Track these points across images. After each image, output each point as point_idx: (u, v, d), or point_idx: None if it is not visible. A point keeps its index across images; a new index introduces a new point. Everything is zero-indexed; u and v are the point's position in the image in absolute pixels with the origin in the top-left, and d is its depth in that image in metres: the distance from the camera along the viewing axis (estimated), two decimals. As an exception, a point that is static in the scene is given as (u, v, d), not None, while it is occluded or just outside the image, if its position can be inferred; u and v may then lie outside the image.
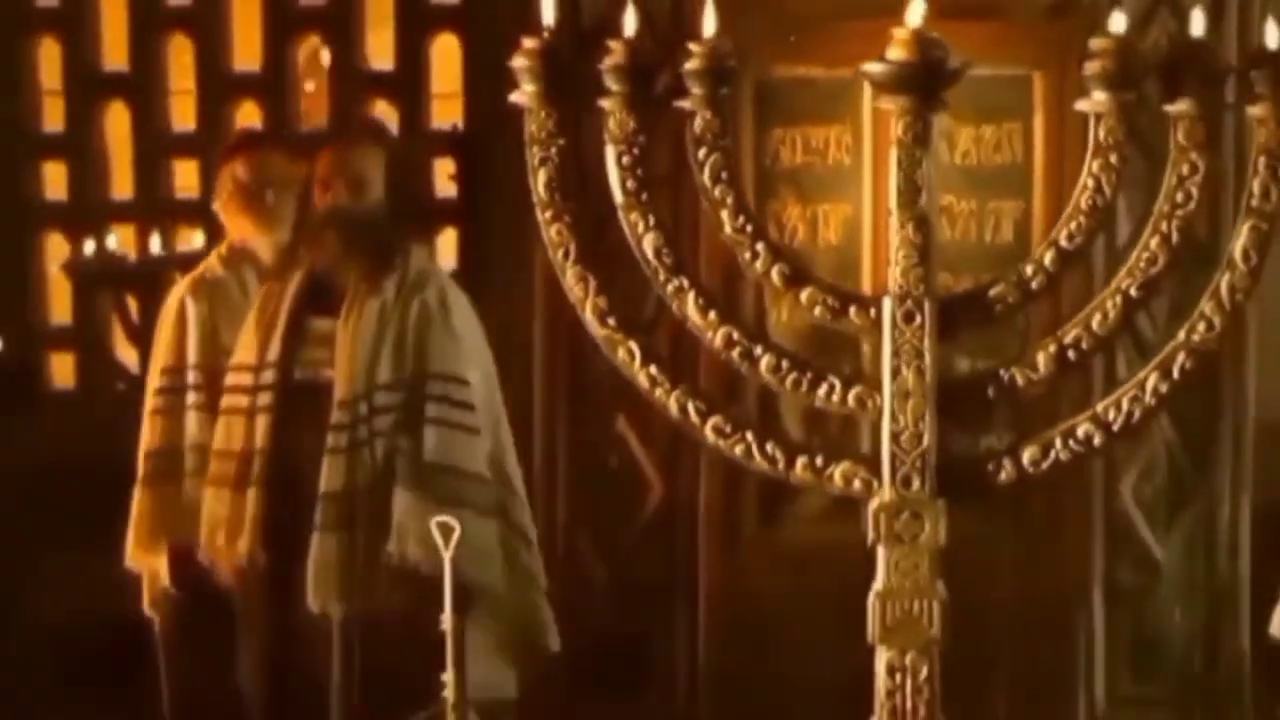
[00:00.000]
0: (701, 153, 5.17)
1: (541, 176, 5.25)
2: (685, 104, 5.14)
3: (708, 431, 5.29)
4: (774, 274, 5.23)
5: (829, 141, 8.34)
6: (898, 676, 5.21)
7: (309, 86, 10.59)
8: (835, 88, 8.23)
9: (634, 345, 5.33)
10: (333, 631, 6.34)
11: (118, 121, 10.07)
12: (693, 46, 5.13)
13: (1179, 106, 5.12)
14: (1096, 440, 5.25)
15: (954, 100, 7.65)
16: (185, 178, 9.96)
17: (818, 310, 5.28)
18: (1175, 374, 5.22)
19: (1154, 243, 5.19)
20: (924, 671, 5.19)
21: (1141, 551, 8.72)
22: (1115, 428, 5.25)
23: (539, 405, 8.71)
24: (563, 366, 8.74)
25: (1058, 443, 5.25)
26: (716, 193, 5.20)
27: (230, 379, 6.61)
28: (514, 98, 5.26)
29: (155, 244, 9.13)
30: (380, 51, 10.01)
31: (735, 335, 5.27)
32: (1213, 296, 5.23)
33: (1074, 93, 5.35)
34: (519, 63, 5.20)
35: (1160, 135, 5.23)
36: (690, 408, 5.30)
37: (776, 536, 8.63)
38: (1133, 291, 5.21)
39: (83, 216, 9.71)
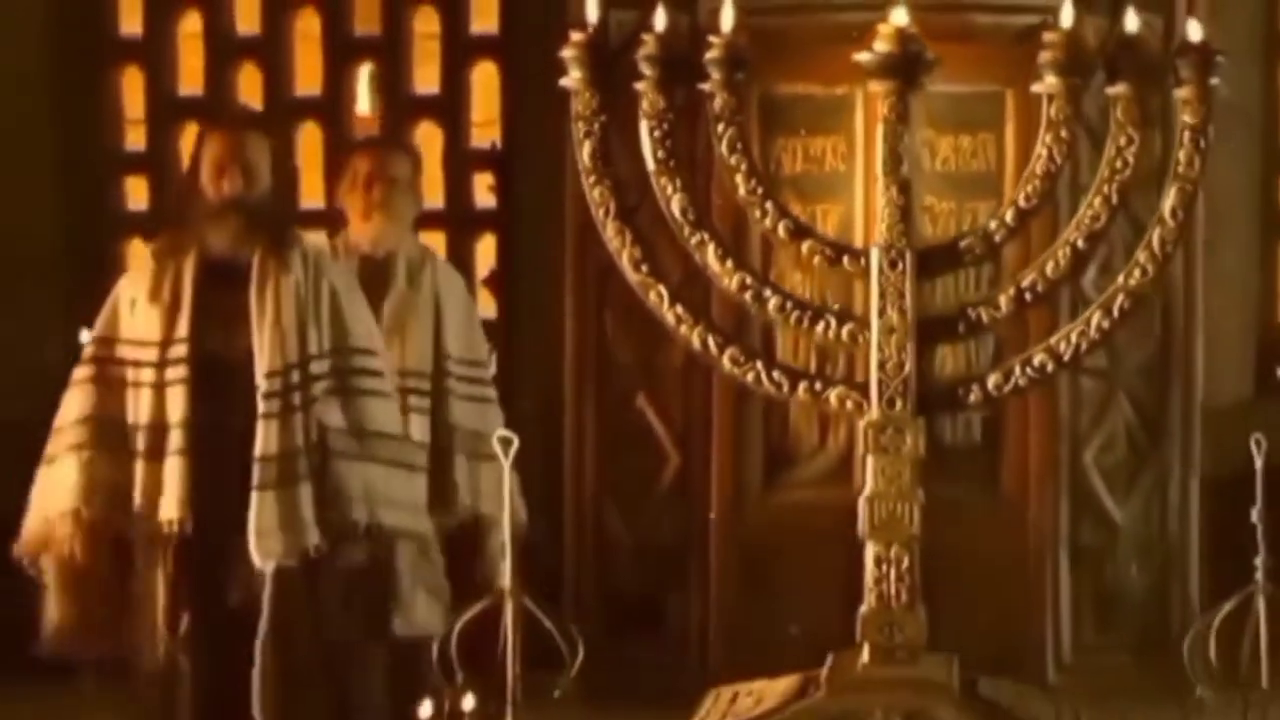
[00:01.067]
0: (720, 127, 5.86)
1: (586, 147, 5.90)
2: (707, 87, 5.85)
3: (725, 361, 5.96)
4: (780, 228, 5.92)
5: (825, 151, 8.71)
6: (884, 566, 5.84)
7: (362, 110, 10.58)
8: (831, 104, 8.64)
9: (663, 289, 5.95)
10: (267, 584, 6.29)
11: (192, 141, 10.45)
12: (713, 39, 5.84)
13: (1117, 90, 5.83)
14: (1050, 368, 5.94)
15: (935, 115, 8.28)
16: None
17: (817, 259, 5.98)
18: (1115, 313, 5.89)
19: (1097, 202, 5.86)
20: (905, 562, 5.84)
21: (1102, 515, 8.97)
22: (1065, 358, 5.94)
23: (569, 390, 9.07)
24: (590, 355, 9.05)
25: (1018, 370, 5.93)
26: (733, 160, 5.89)
27: (131, 354, 6.42)
28: (563, 82, 5.93)
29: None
30: (427, 78, 10.30)
31: (747, 280, 5.95)
32: (1146, 248, 5.86)
33: (1040, 107, 5.93)
34: (568, 53, 5.85)
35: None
36: (710, 340, 5.95)
37: (778, 500, 8.92)
38: (1080, 243, 5.88)
39: (160, 224, 10.07)
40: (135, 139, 10.39)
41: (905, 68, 5.74)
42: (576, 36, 5.85)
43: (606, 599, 8.89)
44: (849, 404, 5.91)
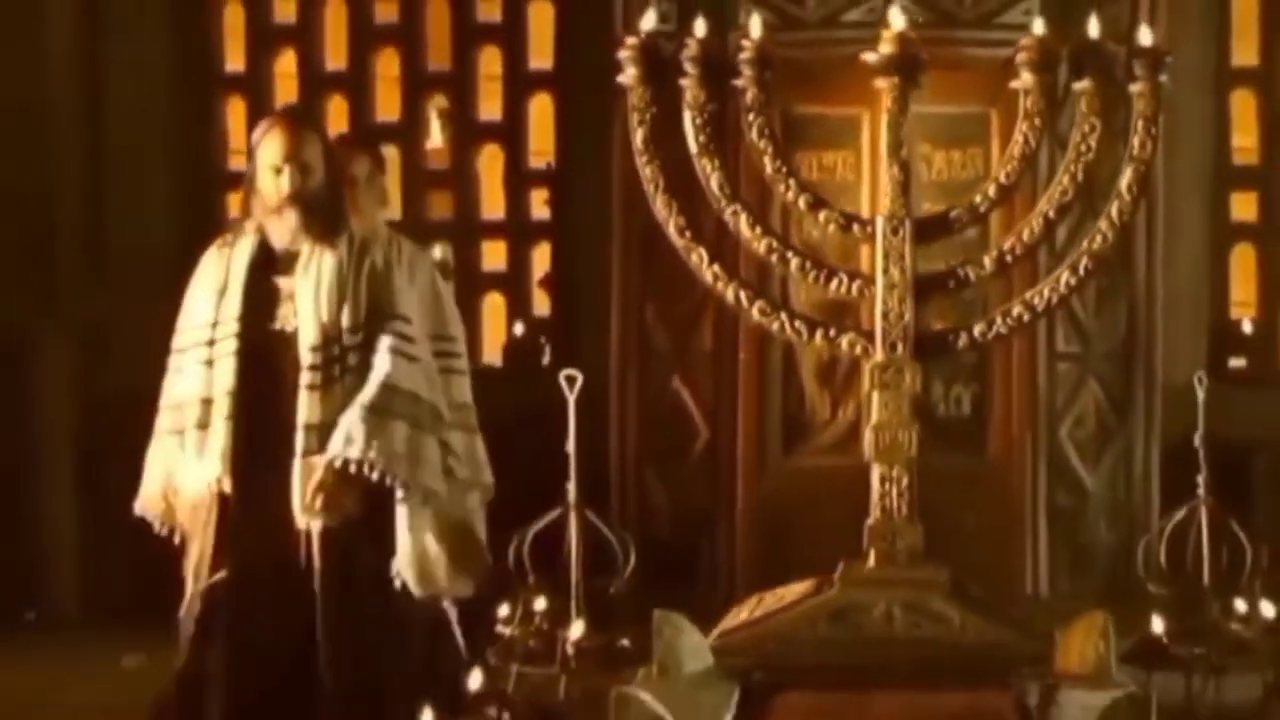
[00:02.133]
0: (751, 116, 6.21)
1: (640, 133, 6.24)
2: (739, 83, 6.25)
3: (754, 311, 6.32)
4: (800, 201, 6.32)
5: (837, 163, 8.95)
6: (887, 484, 6.18)
7: (434, 141, 10.90)
8: (841, 123, 8.90)
9: (703, 251, 6.33)
10: (313, 541, 6.09)
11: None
12: (745, 43, 6.22)
13: (1081, 85, 6.19)
14: (1026, 318, 6.30)
15: (931, 132, 8.59)
16: None
17: (831, 227, 6.37)
18: (1080, 271, 6.26)
19: (1065, 179, 6.21)
20: (905, 480, 6.18)
21: (1075, 481, 9.19)
22: (1039, 309, 6.30)
23: (614, 373, 9.25)
24: (632, 343, 9.27)
25: (999, 320, 6.31)
26: (761, 144, 6.24)
27: (192, 337, 6.27)
28: (620, 79, 6.32)
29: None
30: (490, 108, 10.63)
31: (773, 244, 6.35)
32: (1106, 218, 6.23)
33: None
34: (624, 54, 6.20)
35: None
36: (742, 295, 6.33)
37: (795, 465, 9.13)
38: (1050, 214, 6.25)
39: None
40: (238, 160, 10.35)
41: (904, 66, 6.07)
42: (631, 41, 6.18)
43: (646, 552, 8.50)
44: (858, 348, 6.23)
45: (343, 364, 6.15)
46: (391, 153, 10.51)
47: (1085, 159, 6.23)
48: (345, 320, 6.16)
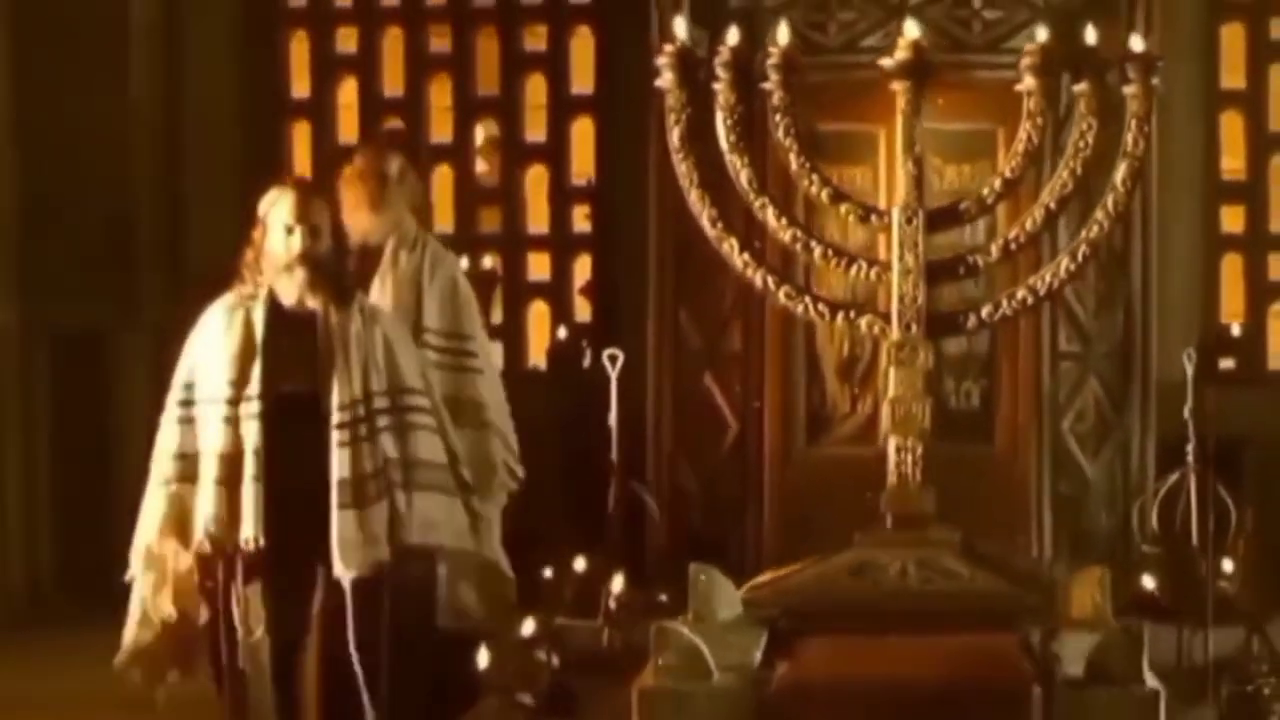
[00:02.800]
0: (778, 116, 6.32)
1: (676, 133, 6.35)
2: (767, 86, 6.39)
3: (780, 295, 6.45)
4: (824, 194, 6.46)
5: (856, 176, 8.95)
6: (902, 453, 6.28)
7: (482, 167, 11.03)
8: (860, 139, 8.98)
9: (734, 240, 6.46)
10: (347, 591, 6.06)
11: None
12: (772, 50, 6.34)
13: (1080, 87, 6.32)
14: (1030, 301, 6.43)
15: (942, 148, 8.70)
16: None
17: (852, 217, 6.51)
18: (1079, 258, 6.40)
19: (1065, 173, 6.32)
20: (919, 450, 6.28)
21: (1076, 470, 9.23)
22: (1041, 293, 6.44)
23: (651, 372, 9.32)
24: (667, 344, 9.35)
25: (1004, 302, 6.44)
26: (787, 142, 6.36)
27: (208, 392, 6.16)
28: (658, 83, 6.45)
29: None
30: (536, 129, 10.82)
31: (798, 233, 6.48)
32: (1103, 208, 6.35)
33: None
34: (661, 60, 6.33)
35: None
36: (769, 280, 6.45)
37: (817, 456, 9.20)
38: (1051, 205, 6.36)
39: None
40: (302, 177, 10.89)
41: (917, 70, 6.20)
42: (668, 48, 6.31)
43: (679, 536, 9.04)
44: (876, 328, 6.36)
45: (370, 424, 6.11)
46: (444, 171, 10.83)
47: (1084, 155, 6.33)
48: (373, 384, 6.13)
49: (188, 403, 6.24)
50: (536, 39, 10.86)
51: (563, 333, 10.70)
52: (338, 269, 6.24)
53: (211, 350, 6.20)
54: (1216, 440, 8.00)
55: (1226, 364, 10.12)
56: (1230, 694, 5.51)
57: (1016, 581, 6.15)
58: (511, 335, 10.86)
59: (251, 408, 6.07)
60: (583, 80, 10.83)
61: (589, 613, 6.56)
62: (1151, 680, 5.21)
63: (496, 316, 10.79)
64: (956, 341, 9.16)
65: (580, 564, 6.61)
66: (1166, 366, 9.30)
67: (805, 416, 9.39)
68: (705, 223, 6.46)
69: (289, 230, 6.19)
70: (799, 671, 5.34)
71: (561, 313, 10.87)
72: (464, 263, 9.96)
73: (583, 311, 10.89)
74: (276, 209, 6.29)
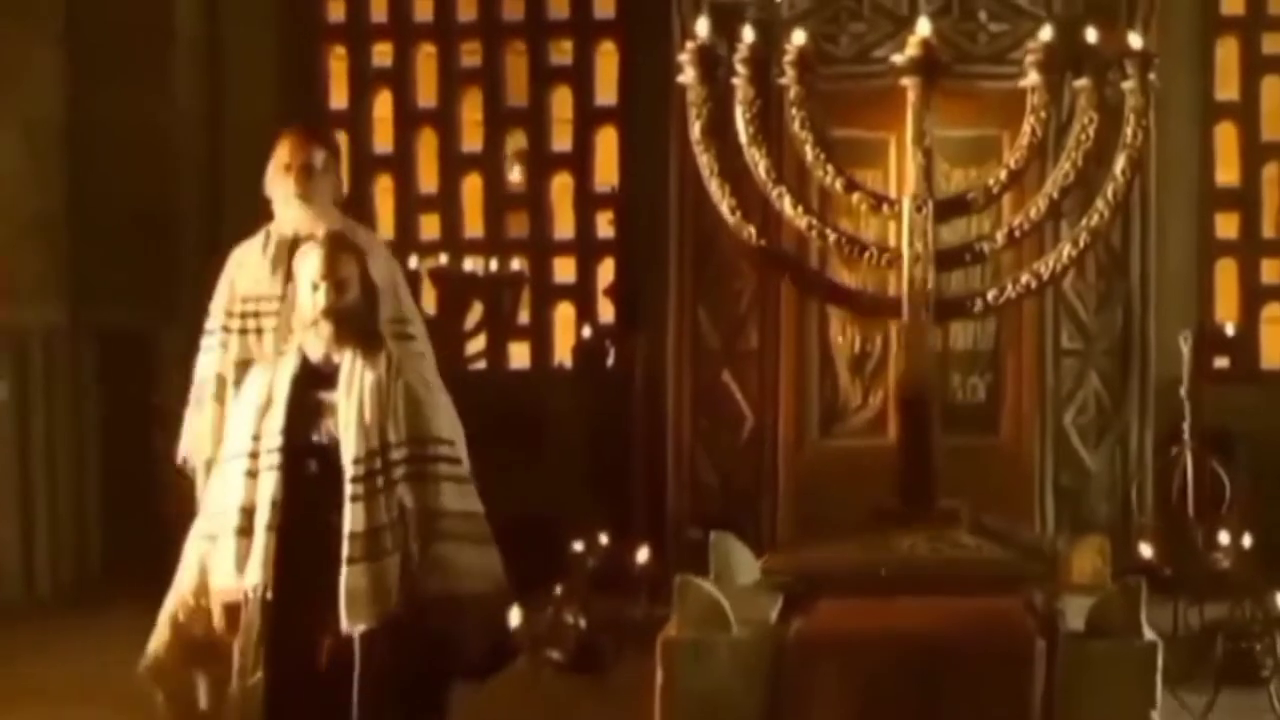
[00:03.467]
0: (794, 110, 6.31)
1: (697, 126, 6.32)
2: (784, 81, 6.41)
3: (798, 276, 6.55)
4: (837, 184, 6.48)
5: (867, 179, 8.34)
6: (912, 430, 6.27)
7: (514, 175, 11.07)
8: (872, 145, 8.90)
9: (752, 228, 6.49)
10: (356, 646, 5.79)
11: (384, 189, 10.98)
12: (788, 47, 6.37)
13: (1081, 83, 6.31)
14: (1034, 285, 6.44)
15: (950, 152, 8.73)
16: (429, 229, 10.94)
17: (865, 207, 6.53)
18: (1080, 244, 6.42)
19: (1067, 165, 6.33)
20: (927, 426, 6.24)
21: (1078, 462, 9.27)
22: (1045, 277, 6.46)
23: (671, 368, 9.38)
24: (687, 343, 9.39)
25: (1009, 287, 6.46)
26: (802, 134, 6.35)
27: (234, 448, 6.02)
28: (680, 79, 6.48)
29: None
30: (562, 139, 10.89)
31: (812, 220, 6.50)
32: (1103, 198, 6.34)
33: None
34: (684, 57, 6.30)
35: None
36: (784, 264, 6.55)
37: (830, 447, 9.24)
38: (1054, 194, 6.36)
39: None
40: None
41: (927, 67, 6.19)
42: (690, 46, 6.31)
43: (699, 523, 8.81)
44: (888, 310, 6.42)
45: (386, 476, 5.88)
46: (474, 180, 10.92)
47: (1085, 147, 6.31)
48: (390, 436, 5.90)
49: (216, 461, 6.16)
50: (562, 53, 10.94)
51: (587, 332, 10.79)
52: (365, 321, 6.00)
53: (240, 408, 6.10)
54: (1212, 433, 8.01)
55: (1221, 363, 10.29)
56: (1225, 650, 5.54)
57: (1021, 551, 6.15)
58: (539, 335, 10.92)
59: (271, 460, 5.91)
60: (606, 92, 10.91)
61: (614, 584, 6.56)
62: (1149, 633, 5.23)
63: (524, 317, 10.90)
64: (963, 338, 9.24)
65: (605, 539, 6.63)
66: (1163, 364, 9.36)
67: (818, 410, 9.41)
68: (725, 210, 6.45)
69: (315, 286, 5.95)
70: (812, 626, 5.36)
71: (586, 313, 10.93)
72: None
73: (606, 312, 10.90)
74: (305, 265, 6.03)
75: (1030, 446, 9.28)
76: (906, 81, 6.32)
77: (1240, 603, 5.96)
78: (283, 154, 6.66)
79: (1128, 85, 6.32)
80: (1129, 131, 6.35)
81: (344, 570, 5.78)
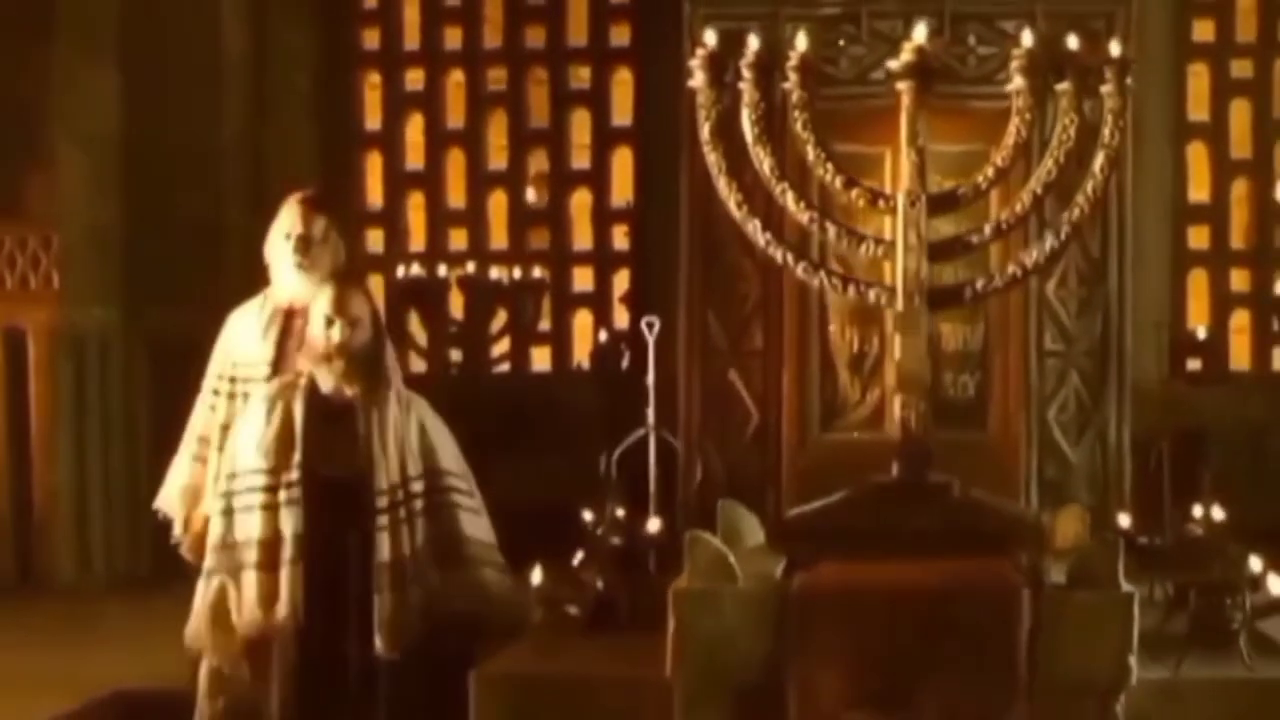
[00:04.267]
0: (796, 113, 6.35)
1: (706, 128, 6.35)
2: (787, 85, 6.46)
3: (798, 270, 6.52)
4: (836, 181, 6.51)
5: None
6: (907, 410, 6.34)
7: (532, 195, 11.22)
8: (869, 159, 8.30)
9: (757, 222, 6.52)
10: (379, 672, 5.65)
11: (415, 204, 11.09)
12: (791, 54, 6.40)
13: (1063, 86, 6.33)
14: (1020, 275, 6.48)
15: (940, 167, 8.71)
16: (456, 241, 11.04)
17: (862, 202, 6.56)
18: (1061, 236, 6.45)
19: (1050, 163, 6.36)
20: (921, 407, 6.34)
21: (1061, 456, 8.79)
22: (1030, 267, 6.49)
23: (682, 369, 8.81)
24: (697, 344, 8.78)
25: (997, 276, 6.51)
26: (804, 135, 6.38)
27: (248, 482, 5.74)
28: (690, 84, 6.52)
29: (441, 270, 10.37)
30: (581, 158, 11.00)
31: (814, 215, 6.53)
32: (1083, 193, 6.38)
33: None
34: (693, 62, 6.35)
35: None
36: (788, 257, 6.50)
37: (830, 441, 8.74)
38: (1038, 190, 6.40)
39: (390, 259, 10.70)
40: (374, 200, 11.04)
41: (921, 72, 6.26)
42: (700, 53, 6.35)
43: (707, 515, 9.12)
44: (883, 299, 6.42)
45: (408, 507, 5.72)
46: (499, 196, 10.98)
47: (1066, 146, 6.32)
48: (410, 469, 5.75)
49: (229, 494, 5.82)
50: (581, 78, 11.05)
51: (604, 337, 10.86)
52: (375, 359, 5.82)
53: (252, 440, 5.80)
54: (1185, 430, 8.02)
55: (1194, 365, 10.33)
56: (1198, 604, 5.56)
57: (1008, 520, 6.18)
58: (559, 339, 10.97)
59: (293, 494, 5.68)
60: (622, 114, 11.02)
61: (627, 555, 6.59)
62: (1127, 585, 5.26)
63: (545, 324, 10.94)
64: (954, 340, 9.22)
65: (620, 512, 6.65)
66: (1141, 368, 9.42)
67: (819, 407, 9.41)
68: (732, 206, 6.47)
69: (329, 322, 5.76)
70: (814, 578, 5.41)
71: (603, 320, 10.97)
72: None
73: (621, 319, 10.93)
74: (318, 301, 5.84)
75: (1016, 440, 9.08)
76: (901, 86, 6.35)
77: (1213, 562, 5.97)
78: (285, 222, 6.38)
79: (1106, 89, 6.34)
80: (1107, 132, 6.35)
81: (375, 599, 5.64)
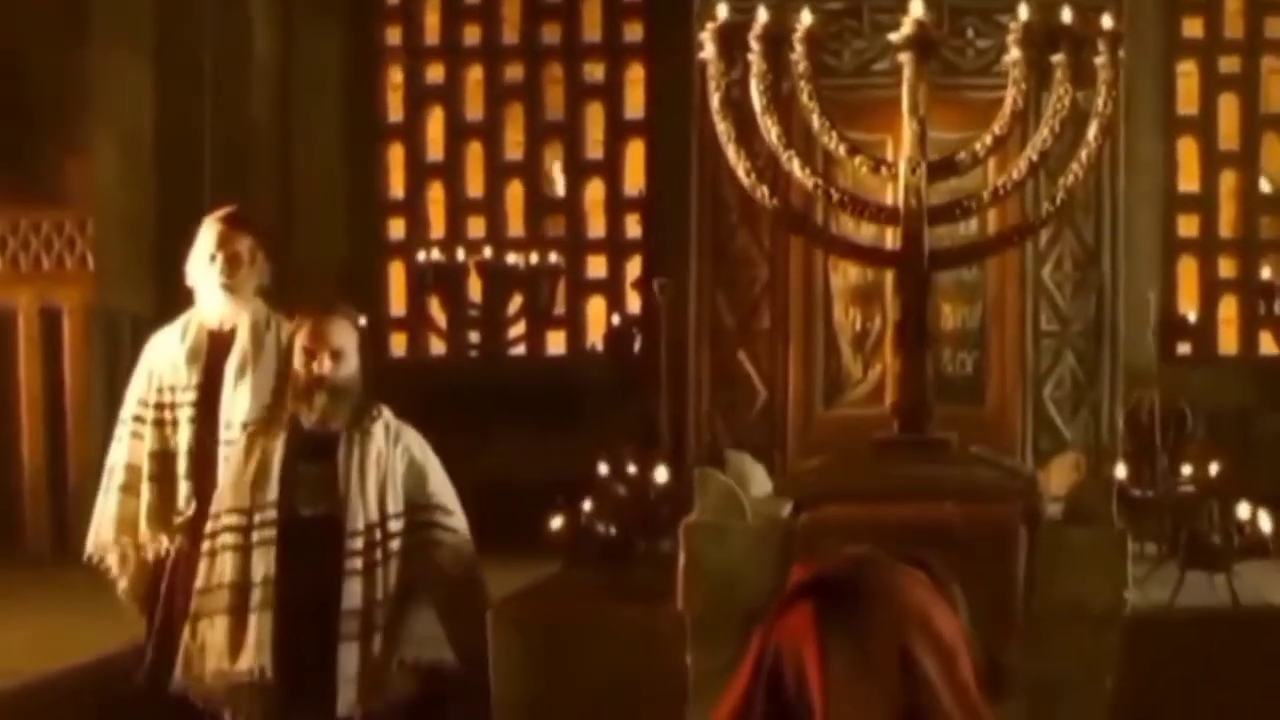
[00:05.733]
0: (802, 83, 6.43)
1: (717, 97, 6.36)
2: (794, 57, 6.48)
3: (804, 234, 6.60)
4: (841, 148, 6.55)
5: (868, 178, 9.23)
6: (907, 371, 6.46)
7: (556, 191, 11.22)
8: (872, 145, 8.32)
9: (765, 188, 6.55)
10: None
11: (435, 194, 11.15)
12: (797, 26, 6.49)
13: (1057, 57, 6.37)
14: (1016, 237, 6.58)
15: (941, 152, 8.74)
16: (475, 229, 11.08)
17: (865, 168, 6.58)
18: (1058, 200, 6.48)
19: (1045, 130, 6.38)
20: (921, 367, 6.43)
21: (1055, 431, 8.87)
22: (1026, 231, 6.57)
23: (692, 349, 8.96)
24: (706, 325, 8.94)
25: (996, 238, 6.54)
26: (810, 105, 6.42)
27: (223, 522, 5.21)
28: (701, 56, 6.56)
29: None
30: (595, 149, 11.03)
31: (819, 182, 6.57)
32: (1077, 160, 6.39)
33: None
34: (704, 35, 6.31)
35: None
36: (794, 221, 6.61)
37: (834, 416, 8.88)
38: (1034, 156, 6.45)
39: (411, 247, 10.82)
40: (396, 189, 11.06)
41: (921, 43, 6.24)
42: (710, 25, 6.33)
43: (716, 466, 9.12)
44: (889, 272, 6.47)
45: (384, 549, 5.15)
46: (516, 186, 11.00)
47: (1061, 115, 6.32)
48: (390, 506, 5.18)
49: (210, 535, 5.30)
50: (595, 72, 11.06)
51: (617, 320, 10.87)
52: (361, 390, 5.27)
53: (228, 479, 5.31)
54: (1173, 410, 8.03)
55: (1183, 348, 10.36)
56: (1188, 542, 5.57)
57: (1005, 470, 6.20)
58: (574, 322, 11.00)
59: (264, 534, 5.15)
60: (635, 107, 11.03)
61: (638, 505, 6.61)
62: (1120, 523, 5.27)
63: (560, 308, 10.97)
64: (953, 318, 9.24)
65: (632, 467, 6.67)
66: (1132, 350, 9.23)
67: (823, 383, 9.45)
68: (741, 173, 6.47)
69: (310, 354, 5.24)
70: (820, 516, 5.42)
71: (616, 304, 11.00)
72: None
73: (633, 303, 10.96)
74: (300, 334, 5.30)
75: (1013, 416, 9.19)
76: (902, 56, 6.35)
77: (1205, 504, 5.99)
78: (208, 242, 5.90)
79: (1100, 60, 6.34)
80: (1100, 101, 6.34)
81: (340, 649, 5.09)
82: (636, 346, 10.63)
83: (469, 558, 5.28)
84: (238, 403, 5.68)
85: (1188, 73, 10.65)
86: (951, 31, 9.36)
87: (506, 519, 6.41)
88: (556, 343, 11.04)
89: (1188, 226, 10.65)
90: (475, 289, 10.53)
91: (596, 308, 11.01)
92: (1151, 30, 10.29)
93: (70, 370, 10.02)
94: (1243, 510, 5.83)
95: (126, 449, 5.79)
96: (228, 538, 5.19)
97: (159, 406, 5.79)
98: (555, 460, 9.14)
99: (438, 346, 10.91)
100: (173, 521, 5.67)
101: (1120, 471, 6.49)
